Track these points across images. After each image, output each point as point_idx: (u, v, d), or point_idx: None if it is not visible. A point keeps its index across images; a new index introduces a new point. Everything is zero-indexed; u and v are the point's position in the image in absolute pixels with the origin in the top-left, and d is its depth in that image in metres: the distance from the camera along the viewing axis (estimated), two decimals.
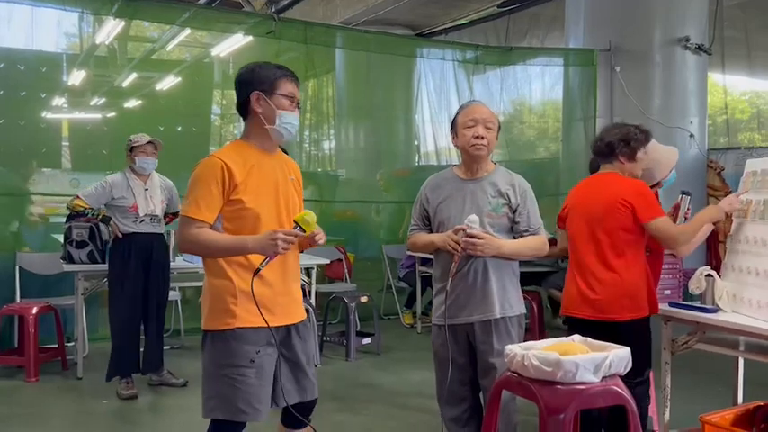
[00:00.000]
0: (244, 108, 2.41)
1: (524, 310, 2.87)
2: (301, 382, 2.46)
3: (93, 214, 4.57)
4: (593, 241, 3.09)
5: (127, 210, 4.54)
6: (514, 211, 2.76)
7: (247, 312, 2.29)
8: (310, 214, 2.32)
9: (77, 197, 4.54)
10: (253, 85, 2.37)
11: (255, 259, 2.29)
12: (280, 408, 2.46)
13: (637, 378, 3.08)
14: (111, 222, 4.54)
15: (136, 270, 4.56)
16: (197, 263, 4.84)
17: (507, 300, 2.77)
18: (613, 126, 3.29)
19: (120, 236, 4.51)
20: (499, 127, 2.82)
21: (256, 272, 2.26)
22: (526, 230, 2.76)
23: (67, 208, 4.62)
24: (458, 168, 2.90)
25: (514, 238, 2.78)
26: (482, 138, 2.71)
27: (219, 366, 2.32)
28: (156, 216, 4.63)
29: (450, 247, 2.62)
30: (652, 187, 3.54)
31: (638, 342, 3.08)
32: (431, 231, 2.86)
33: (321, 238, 2.41)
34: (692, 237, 3.09)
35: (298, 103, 2.43)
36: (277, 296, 2.35)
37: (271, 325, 2.29)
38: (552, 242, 6.74)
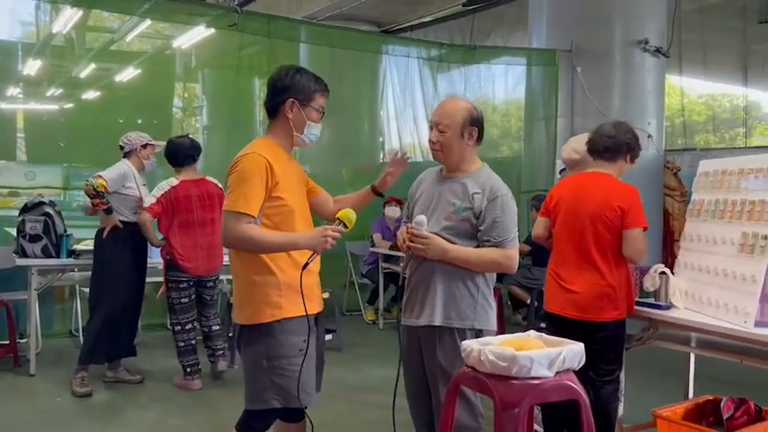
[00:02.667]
0: (275, 109, 2.51)
1: (489, 326, 2.60)
2: (321, 370, 2.63)
3: (108, 198, 4.38)
4: (581, 240, 3.11)
5: (133, 201, 4.49)
6: (477, 217, 2.57)
7: (292, 303, 2.39)
8: (352, 212, 2.43)
9: (100, 176, 4.35)
10: (290, 91, 2.47)
11: (296, 252, 2.40)
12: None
13: (607, 377, 3.14)
14: (113, 214, 4.43)
15: (131, 259, 4.53)
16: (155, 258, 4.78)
17: (456, 310, 2.56)
18: (619, 125, 3.25)
19: (120, 226, 4.43)
20: (474, 121, 2.61)
21: (305, 266, 2.36)
22: (487, 240, 2.55)
23: (91, 186, 4.29)
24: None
25: (478, 246, 2.58)
26: (433, 143, 2.64)
27: (271, 359, 2.39)
28: None
29: (399, 243, 2.63)
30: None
31: (614, 343, 3.14)
32: None
33: (333, 243, 2.48)
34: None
35: (323, 114, 2.55)
36: (313, 286, 2.50)
37: (311, 313, 2.42)
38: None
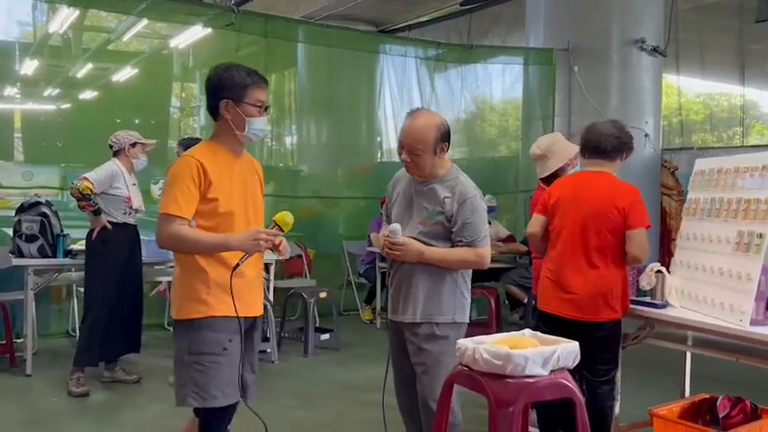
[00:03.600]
0: (214, 111, 2.47)
1: (465, 319, 2.75)
2: (255, 372, 2.58)
3: (94, 201, 4.36)
4: (581, 239, 3.08)
5: (122, 201, 4.47)
6: (449, 220, 2.68)
7: (219, 302, 2.38)
8: (289, 215, 2.41)
9: (86, 179, 4.32)
10: (222, 92, 2.43)
11: (227, 253, 2.38)
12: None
13: (603, 377, 3.14)
14: (102, 215, 4.41)
15: (123, 260, 4.50)
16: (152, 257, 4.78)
17: (437, 305, 2.69)
18: (617, 124, 3.26)
19: (109, 227, 4.41)
20: (444, 136, 2.68)
21: (235, 267, 2.35)
22: (460, 240, 2.67)
23: (76, 189, 4.28)
24: None
25: (452, 246, 2.70)
26: (407, 161, 2.70)
27: (192, 354, 2.38)
28: (139, 210, 4.61)
29: (380, 248, 2.73)
30: (547, 180, 3.66)
31: (611, 343, 3.14)
32: None
33: (285, 249, 2.46)
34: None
35: (266, 107, 2.49)
36: (247, 288, 2.45)
37: (240, 315, 2.39)
38: (510, 239, 6.83)
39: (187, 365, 2.39)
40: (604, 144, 3.18)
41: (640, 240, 3.03)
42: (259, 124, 2.46)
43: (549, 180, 3.67)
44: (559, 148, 3.77)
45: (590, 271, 3.06)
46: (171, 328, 4.67)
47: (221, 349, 2.38)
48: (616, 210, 3.03)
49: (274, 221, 2.39)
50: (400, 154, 2.73)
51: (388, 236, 2.66)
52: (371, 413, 4.13)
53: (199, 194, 2.36)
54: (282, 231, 2.39)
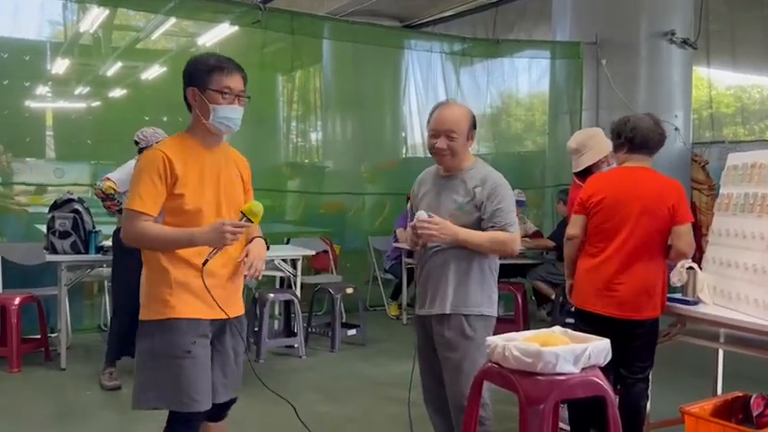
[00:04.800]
0: (187, 102, 2.40)
1: (493, 313, 2.75)
2: (229, 377, 2.45)
3: (119, 200, 4.40)
4: (626, 237, 3.04)
5: None
6: (479, 208, 2.70)
7: (183, 303, 2.29)
8: (257, 205, 2.30)
9: (108, 179, 4.37)
10: (188, 81, 2.36)
11: (191, 251, 2.29)
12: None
13: (640, 374, 3.11)
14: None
15: None
16: None
17: (466, 297, 2.69)
18: (652, 117, 3.22)
19: None
20: (474, 124, 2.76)
21: (204, 263, 2.26)
22: (492, 226, 2.68)
23: (99, 190, 4.34)
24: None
25: None
26: (442, 149, 2.70)
27: (156, 356, 2.30)
28: None
29: (409, 241, 2.69)
30: (581, 174, 3.62)
31: (650, 340, 3.12)
32: None
33: (254, 271, 2.37)
34: None
35: (239, 96, 2.36)
36: (215, 289, 2.31)
37: (207, 317, 2.31)
38: (537, 234, 6.79)
39: (150, 368, 2.30)
40: (652, 139, 3.14)
41: (689, 237, 3.01)
42: (225, 112, 2.31)
43: (582, 175, 3.64)
44: (596, 144, 3.71)
45: (635, 269, 3.03)
46: None
47: (184, 352, 2.27)
48: (666, 206, 3.00)
49: (242, 213, 2.29)
50: (432, 146, 2.72)
51: (420, 220, 2.61)
52: (397, 409, 4.14)
53: (165, 190, 2.27)
54: (251, 222, 2.29)
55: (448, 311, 2.69)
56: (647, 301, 3.03)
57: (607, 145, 3.62)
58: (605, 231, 3.11)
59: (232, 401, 2.52)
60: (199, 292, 2.29)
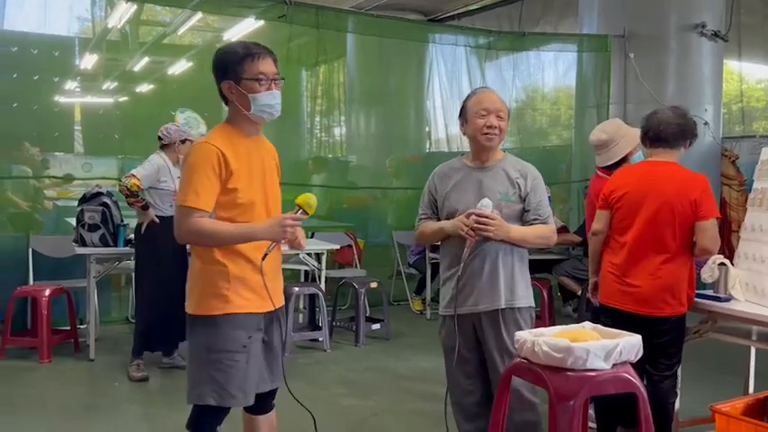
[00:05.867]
0: (223, 96, 2.36)
1: (533, 304, 2.77)
2: (274, 366, 2.45)
3: (142, 196, 4.45)
4: (651, 233, 2.99)
5: (169, 195, 4.54)
6: (524, 200, 2.71)
7: (241, 298, 2.28)
8: (311, 197, 2.30)
9: (133, 176, 4.41)
10: (220, 74, 2.31)
11: (249, 245, 2.28)
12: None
13: (666, 372, 3.07)
14: (150, 209, 4.50)
15: (172, 251, 4.53)
16: None
17: (515, 290, 2.69)
18: (678, 110, 3.16)
19: (157, 221, 4.50)
20: (509, 115, 2.78)
21: (264, 257, 2.26)
22: (535, 219, 2.70)
23: (125, 187, 4.38)
24: (466, 157, 2.85)
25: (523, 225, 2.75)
26: (494, 127, 2.67)
27: (211, 351, 2.28)
28: None
29: (462, 231, 2.59)
30: (611, 167, 3.56)
31: (676, 337, 3.07)
32: (439, 220, 2.82)
33: (303, 241, 2.37)
34: None
35: (274, 79, 2.31)
36: (268, 282, 2.31)
37: (262, 311, 2.31)
38: (563, 230, 6.73)
39: (206, 363, 2.29)
40: (664, 132, 3.08)
41: (713, 232, 2.94)
42: (265, 99, 2.28)
43: (613, 168, 3.58)
44: (626, 133, 3.65)
45: (658, 265, 2.98)
46: None
47: (241, 347, 2.28)
48: (688, 201, 2.94)
49: (298, 205, 2.27)
50: (482, 126, 2.66)
51: (478, 212, 2.56)
52: (420, 403, 4.15)
53: (219, 185, 2.24)
54: (307, 215, 2.28)
55: (503, 306, 2.66)
56: (670, 297, 2.98)
57: (637, 133, 3.58)
58: (628, 226, 3.07)
59: (274, 391, 2.51)
60: (255, 286, 2.28)
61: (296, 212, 2.27)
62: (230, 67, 2.28)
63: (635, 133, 3.59)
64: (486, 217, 2.55)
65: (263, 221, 2.30)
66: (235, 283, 2.27)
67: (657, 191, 3.01)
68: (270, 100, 2.29)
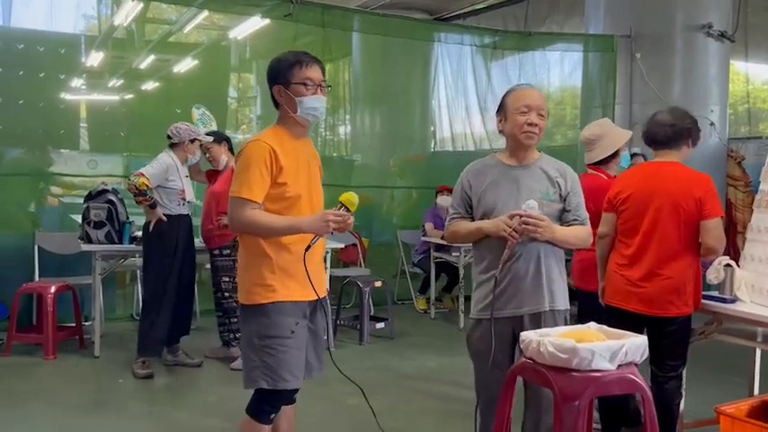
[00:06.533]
0: (274, 100, 2.55)
1: (569, 306, 2.70)
2: (320, 354, 2.65)
3: (150, 195, 4.46)
4: (654, 233, 2.99)
5: (177, 193, 4.58)
6: (564, 200, 2.64)
7: (285, 287, 2.45)
8: (354, 195, 2.44)
9: (142, 175, 4.41)
10: (273, 79, 2.52)
11: (293, 238, 2.43)
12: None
13: (671, 373, 3.06)
14: (157, 208, 4.51)
15: (177, 250, 4.62)
16: None
17: (555, 292, 2.63)
18: (675, 111, 3.16)
19: (164, 220, 4.51)
20: (548, 114, 2.72)
21: (307, 249, 2.40)
22: (575, 219, 2.64)
23: (133, 185, 4.37)
24: (502, 154, 2.75)
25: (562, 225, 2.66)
26: (535, 125, 2.59)
27: (262, 338, 2.44)
28: (191, 202, 4.74)
29: (505, 233, 2.49)
30: (599, 163, 3.57)
31: (681, 338, 3.06)
32: (473, 219, 2.71)
33: (351, 221, 2.48)
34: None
35: (320, 85, 2.50)
36: (311, 272, 2.46)
37: (306, 299, 2.48)
38: None
39: (257, 349, 2.44)
40: (658, 135, 3.10)
41: (718, 231, 2.93)
42: (311, 102, 2.47)
43: (602, 164, 3.59)
44: (616, 130, 3.65)
45: (663, 265, 2.97)
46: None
47: (289, 332, 2.44)
48: (692, 200, 2.93)
49: (341, 202, 2.41)
50: (523, 123, 2.58)
51: (519, 214, 2.47)
52: (425, 402, 4.15)
53: (270, 179, 2.42)
54: (349, 211, 2.42)
55: (546, 308, 2.60)
56: (676, 298, 2.97)
57: (624, 133, 3.60)
58: (633, 228, 3.07)
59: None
60: (298, 277, 2.43)
61: (338, 209, 2.41)
62: (281, 72, 2.49)
63: (624, 132, 3.63)
64: (536, 218, 2.46)
65: (307, 215, 2.47)
66: (280, 273, 2.44)
67: (663, 191, 3.00)
68: (315, 103, 2.49)
